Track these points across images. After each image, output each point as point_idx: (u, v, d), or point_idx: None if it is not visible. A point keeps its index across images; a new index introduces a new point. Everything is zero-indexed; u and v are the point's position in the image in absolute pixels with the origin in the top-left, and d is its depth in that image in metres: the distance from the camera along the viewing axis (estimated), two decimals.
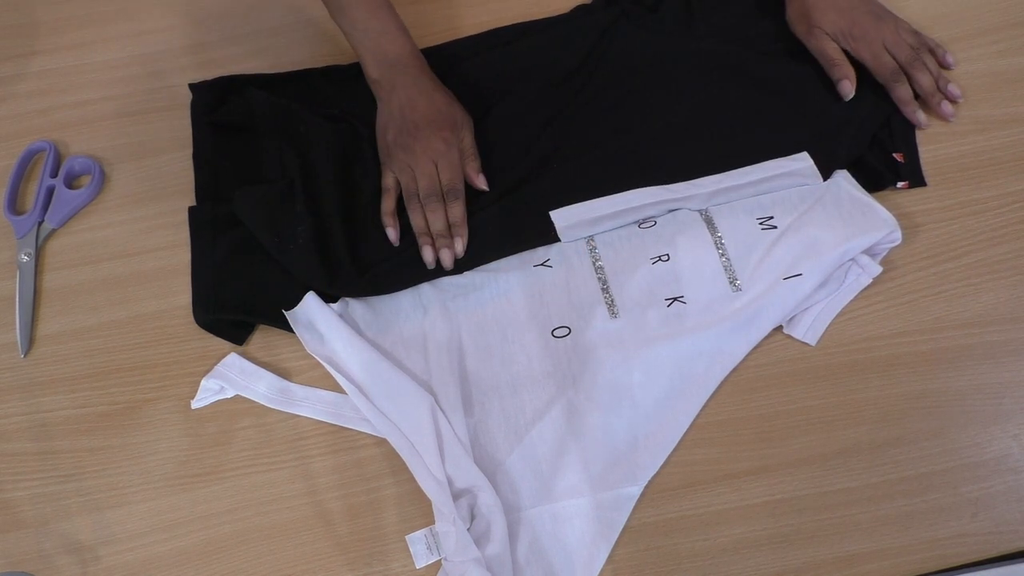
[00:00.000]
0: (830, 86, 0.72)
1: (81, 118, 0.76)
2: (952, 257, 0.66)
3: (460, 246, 0.66)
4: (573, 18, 0.80)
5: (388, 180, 0.69)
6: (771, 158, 0.69)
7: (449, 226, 0.67)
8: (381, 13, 0.71)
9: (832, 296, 0.65)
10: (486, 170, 0.70)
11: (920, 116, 0.70)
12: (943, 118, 0.71)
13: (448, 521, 0.57)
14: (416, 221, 0.67)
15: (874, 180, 0.69)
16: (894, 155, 0.70)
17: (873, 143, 0.70)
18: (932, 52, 0.73)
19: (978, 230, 0.67)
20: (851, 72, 0.71)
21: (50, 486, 0.62)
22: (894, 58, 0.70)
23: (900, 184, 0.69)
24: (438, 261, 0.66)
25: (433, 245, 0.66)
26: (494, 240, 0.67)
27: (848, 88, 0.70)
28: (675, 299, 0.64)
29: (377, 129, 0.71)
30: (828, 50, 0.71)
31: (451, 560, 0.56)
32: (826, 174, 0.68)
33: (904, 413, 0.61)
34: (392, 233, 0.67)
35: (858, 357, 0.63)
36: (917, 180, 0.69)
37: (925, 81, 0.70)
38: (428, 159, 0.67)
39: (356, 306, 0.66)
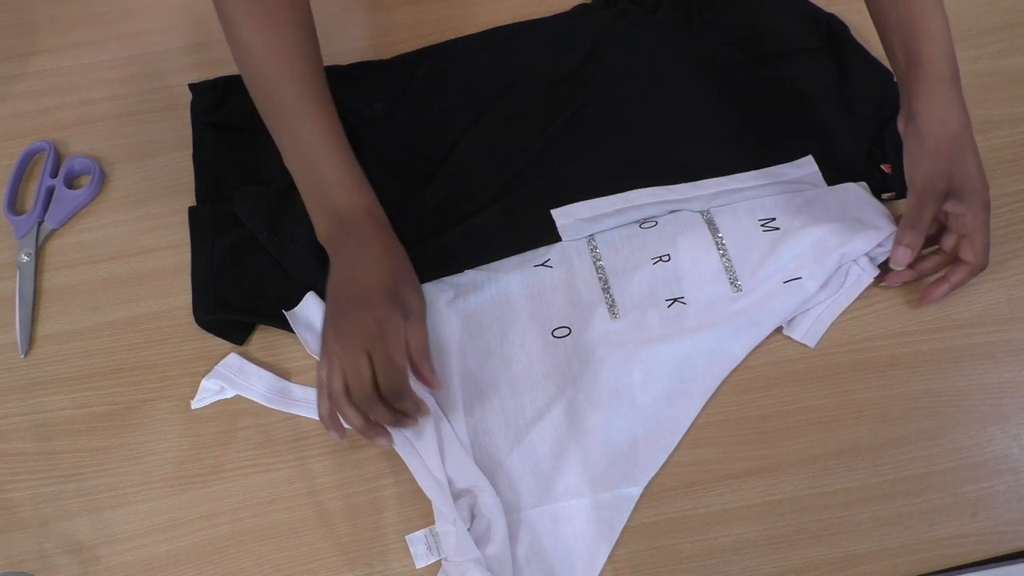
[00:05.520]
0: (829, 89, 0.72)
1: (81, 118, 0.76)
2: None
3: (411, 430, 0.58)
4: (573, 17, 0.80)
5: (320, 371, 0.57)
6: (769, 163, 0.69)
7: (397, 416, 0.56)
8: (337, 160, 0.61)
9: (832, 298, 0.64)
10: (487, 169, 0.70)
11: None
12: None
13: (448, 521, 0.57)
14: (351, 420, 0.56)
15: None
16: (882, 166, 0.69)
17: (870, 151, 0.70)
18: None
19: None
20: (919, 246, 0.62)
21: (50, 486, 0.61)
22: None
23: (886, 196, 0.68)
24: None
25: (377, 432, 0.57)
26: (495, 239, 0.67)
27: (903, 259, 0.61)
28: (675, 300, 0.64)
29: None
30: (926, 215, 0.61)
31: (451, 560, 0.56)
32: (828, 181, 0.68)
33: (904, 413, 0.61)
34: (336, 436, 0.57)
35: (858, 357, 0.63)
36: (903, 191, 0.68)
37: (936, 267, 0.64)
38: (358, 348, 0.54)
39: None
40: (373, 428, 0.57)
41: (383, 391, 0.55)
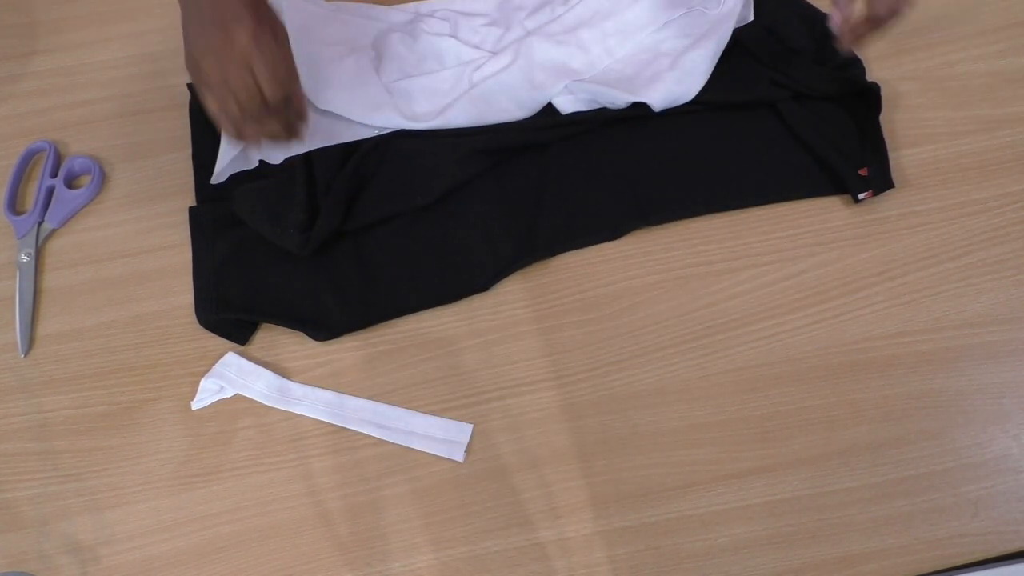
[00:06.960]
0: (814, 91, 0.72)
1: (81, 118, 0.76)
2: (952, 257, 0.66)
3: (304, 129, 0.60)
4: None
5: (211, 105, 0.55)
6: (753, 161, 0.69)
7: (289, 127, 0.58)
8: None
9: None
10: (484, 174, 0.70)
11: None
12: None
13: None
14: (260, 133, 0.57)
15: (842, 189, 0.68)
16: (859, 172, 0.68)
17: (844, 156, 0.69)
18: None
19: (978, 230, 0.67)
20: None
21: (50, 486, 0.62)
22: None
23: (862, 196, 0.67)
24: None
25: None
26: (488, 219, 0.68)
27: (836, 20, 0.63)
28: None
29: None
30: None
31: None
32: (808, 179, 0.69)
33: (904, 413, 0.61)
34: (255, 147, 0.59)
35: (858, 357, 0.63)
36: (883, 184, 0.67)
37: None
38: (242, 66, 0.52)
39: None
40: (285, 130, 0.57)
41: (272, 101, 0.54)
